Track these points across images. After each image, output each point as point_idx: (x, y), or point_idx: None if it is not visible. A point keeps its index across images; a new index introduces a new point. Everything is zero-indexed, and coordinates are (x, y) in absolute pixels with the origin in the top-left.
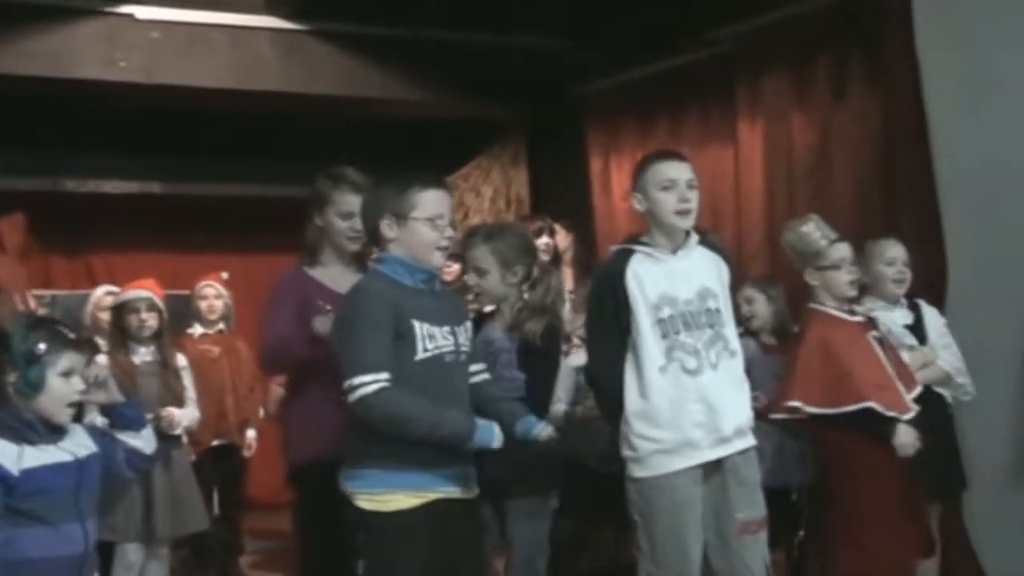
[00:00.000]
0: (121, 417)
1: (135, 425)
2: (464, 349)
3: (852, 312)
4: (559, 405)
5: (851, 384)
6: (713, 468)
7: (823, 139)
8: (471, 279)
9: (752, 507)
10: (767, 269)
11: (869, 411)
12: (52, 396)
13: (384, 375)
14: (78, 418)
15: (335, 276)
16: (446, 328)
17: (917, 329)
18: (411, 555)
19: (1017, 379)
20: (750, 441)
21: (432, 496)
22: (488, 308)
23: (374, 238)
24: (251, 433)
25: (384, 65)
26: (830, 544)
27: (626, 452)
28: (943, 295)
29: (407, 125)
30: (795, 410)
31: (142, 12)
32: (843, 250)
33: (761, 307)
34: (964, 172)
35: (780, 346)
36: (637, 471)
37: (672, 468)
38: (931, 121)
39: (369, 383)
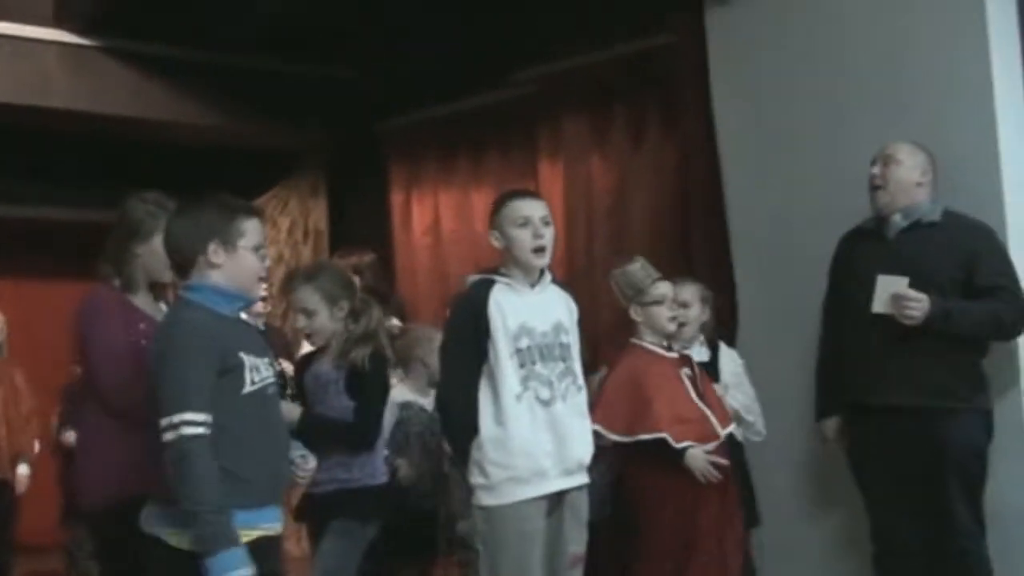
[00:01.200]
0: None
1: None
2: (275, 379)
3: (669, 348)
4: (403, 468)
5: (650, 414)
6: (555, 501)
7: (621, 182)
8: (300, 321)
9: (581, 541)
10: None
11: (663, 441)
12: None
13: (203, 416)
14: None
15: (148, 305)
16: (266, 359)
17: (711, 367)
18: None
19: (803, 417)
20: (586, 477)
21: (256, 534)
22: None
23: (187, 265)
24: (23, 469)
25: (181, 88)
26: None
27: (477, 479)
28: (734, 339)
29: (203, 151)
30: (598, 436)
31: None
32: (664, 288)
33: None
34: (754, 221)
35: None
36: (486, 499)
37: (523, 496)
38: (724, 171)
39: (188, 423)
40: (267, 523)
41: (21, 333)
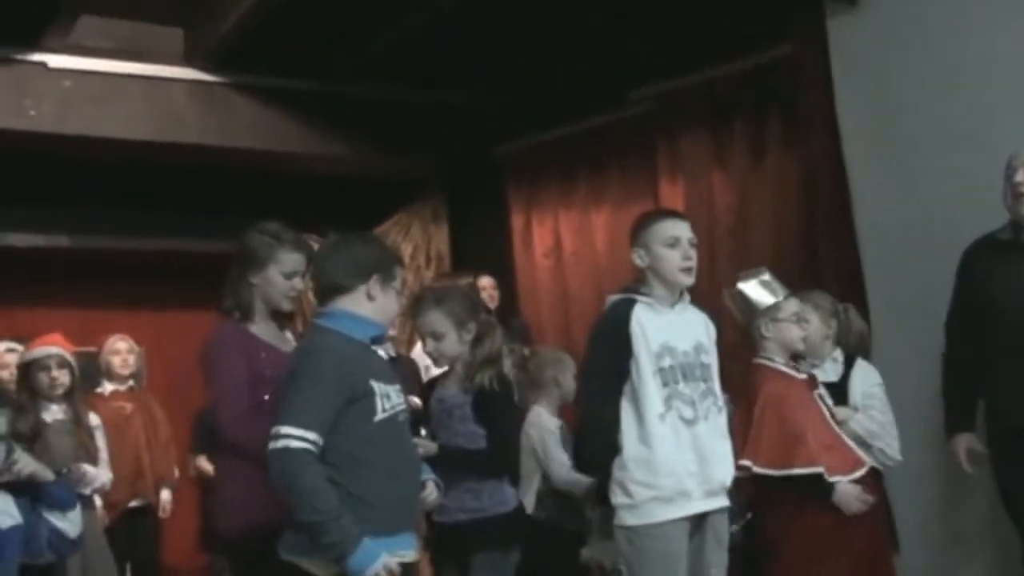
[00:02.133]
0: (49, 496)
1: (63, 505)
2: (406, 408)
3: (797, 369)
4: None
5: (804, 447)
6: (697, 523)
7: (743, 200)
8: (429, 345)
9: (722, 565)
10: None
11: (815, 473)
12: None
13: (313, 436)
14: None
15: (268, 333)
16: (396, 386)
17: (841, 387)
18: None
19: (942, 436)
20: (727, 500)
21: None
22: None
23: (338, 292)
24: (166, 494)
25: (304, 119)
26: None
27: (620, 499)
28: (868, 352)
29: (326, 180)
30: (746, 468)
31: (55, 61)
32: (795, 305)
33: None
34: (885, 234)
35: None
36: (630, 519)
37: (667, 517)
38: (852, 184)
39: (295, 438)
40: (401, 550)
41: (159, 362)
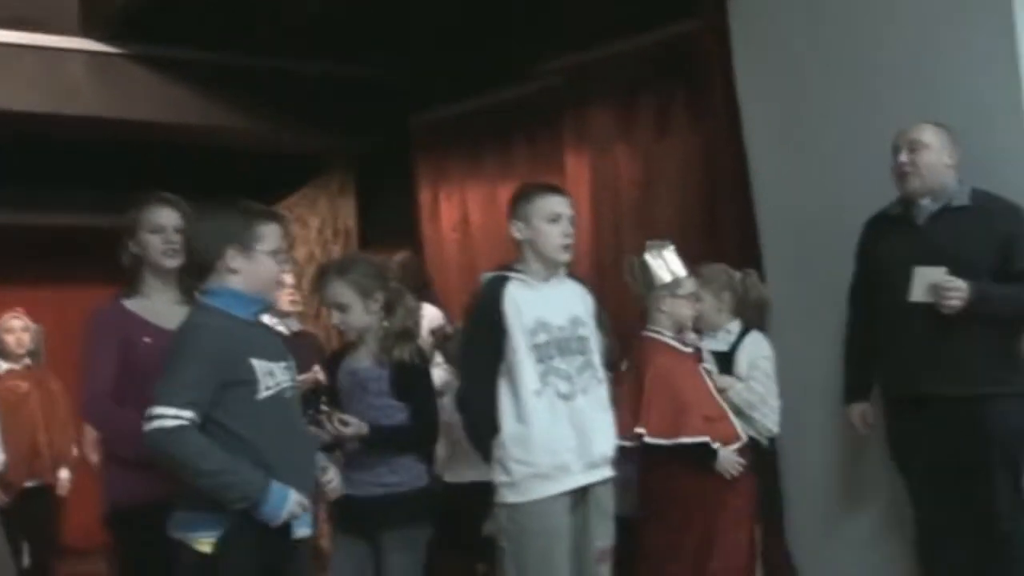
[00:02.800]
0: None
1: None
2: (295, 384)
3: (684, 343)
4: None
5: (690, 417)
6: (580, 496)
7: (648, 173)
8: (335, 317)
9: (607, 536)
10: (594, 299)
11: (701, 444)
12: None
13: (189, 414)
14: None
15: (159, 309)
16: (282, 363)
17: (730, 357)
18: None
19: (839, 403)
20: (611, 471)
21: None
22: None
23: (206, 269)
24: (64, 473)
25: (206, 91)
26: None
27: (500, 477)
28: (764, 320)
29: (231, 153)
30: (639, 437)
31: None
32: (693, 284)
33: None
34: (782, 209)
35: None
36: (510, 496)
37: (546, 493)
38: (750, 159)
39: (169, 417)
40: (296, 527)
41: (58, 339)
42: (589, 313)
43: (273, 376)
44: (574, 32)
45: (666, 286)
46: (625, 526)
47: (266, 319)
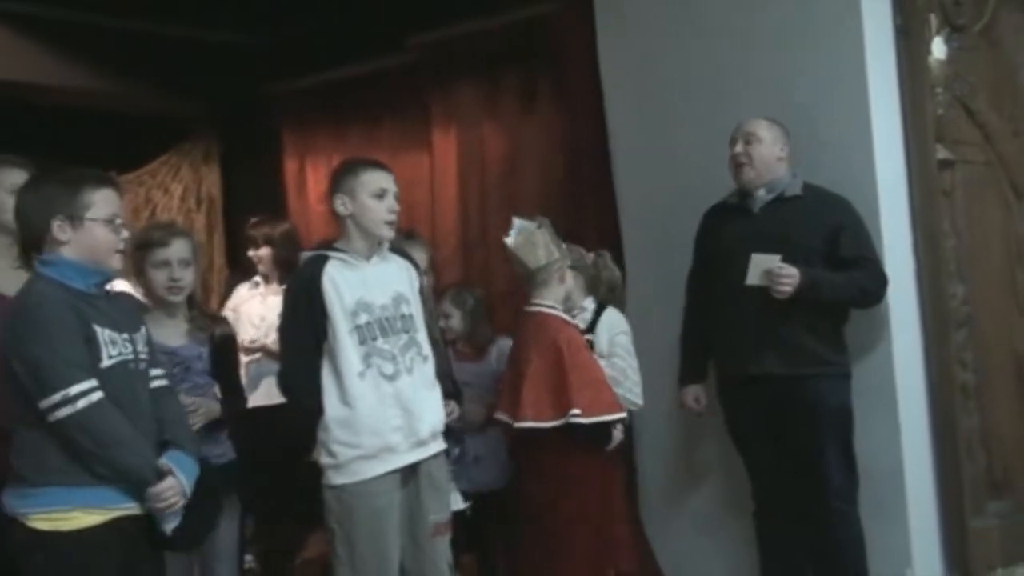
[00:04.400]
0: None
1: None
2: (143, 356)
3: (571, 313)
4: None
5: (609, 393)
6: (409, 472)
7: (513, 150)
8: (176, 272)
9: (442, 509)
10: (461, 274)
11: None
12: None
13: (95, 383)
14: None
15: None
16: (125, 335)
17: (589, 333)
18: (96, 573)
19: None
20: (442, 444)
21: (115, 513)
22: None
23: (36, 242)
24: None
25: (68, 51)
26: (533, 549)
27: (325, 459)
28: (623, 302)
29: (91, 117)
30: (576, 415)
31: None
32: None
33: (457, 321)
34: (639, 191)
35: (474, 352)
36: (336, 478)
37: (373, 473)
38: (612, 142)
39: (89, 391)
40: (125, 502)
41: None
42: (414, 290)
43: (116, 345)
44: (439, 7)
45: (550, 264)
46: (486, 500)
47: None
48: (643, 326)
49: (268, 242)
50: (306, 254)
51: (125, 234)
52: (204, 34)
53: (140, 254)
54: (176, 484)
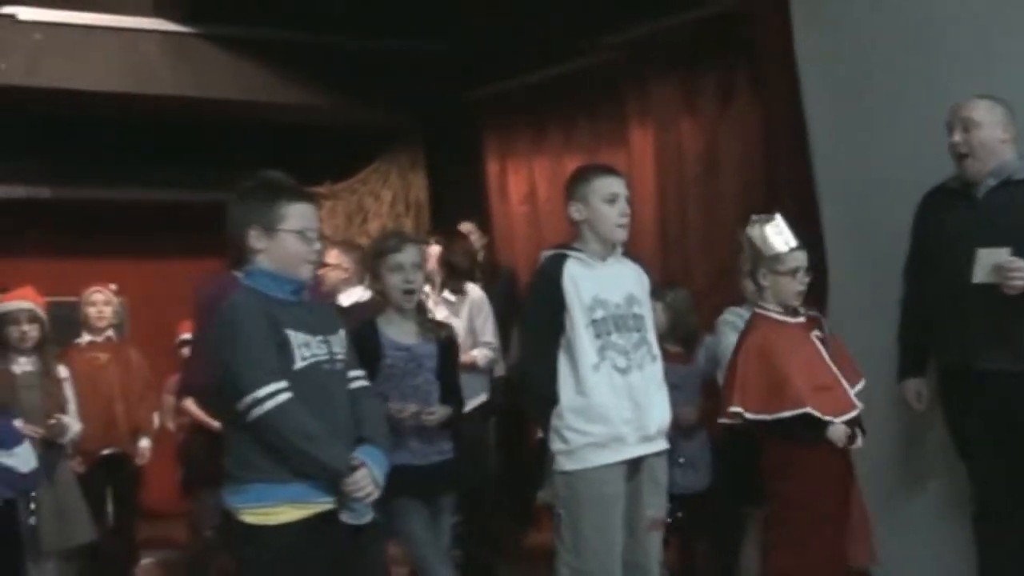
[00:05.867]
0: None
1: (4, 444)
2: (339, 358)
3: (796, 313)
4: None
5: (789, 390)
6: (634, 466)
7: (711, 146)
8: (409, 275)
9: (660, 506)
10: (660, 273)
11: (806, 415)
12: None
13: (285, 384)
14: None
15: None
16: (319, 337)
17: None
18: (301, 567)
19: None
20: (666, 443)
21: (317, 508)
22: None
23: (240, 252)
24: (144, 442)
25: (280, 70)
26: (770, 546)
27: (558, 445)
28: (823, 295)
29: (305, 130)
30: (736, 415)
31: (25, 13)
32: (800, 259)
33: (659, 316)
34: (841, 182)
35: (686, 354)
36: (567, 464)
37: (602, 461)
38: (810, 132)
39: (276, 393)
40: (326, 497)
41: (142, 311)
42: (645, 292)
43: (309, 348)
44: (635, 4)
45: (767, 260)
46: (687, 502)
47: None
48: (848, 323)
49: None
50: (546, 252)
51: (318, 246)
52: (404, 45)
53: (376, 261)
54: (368, 475)
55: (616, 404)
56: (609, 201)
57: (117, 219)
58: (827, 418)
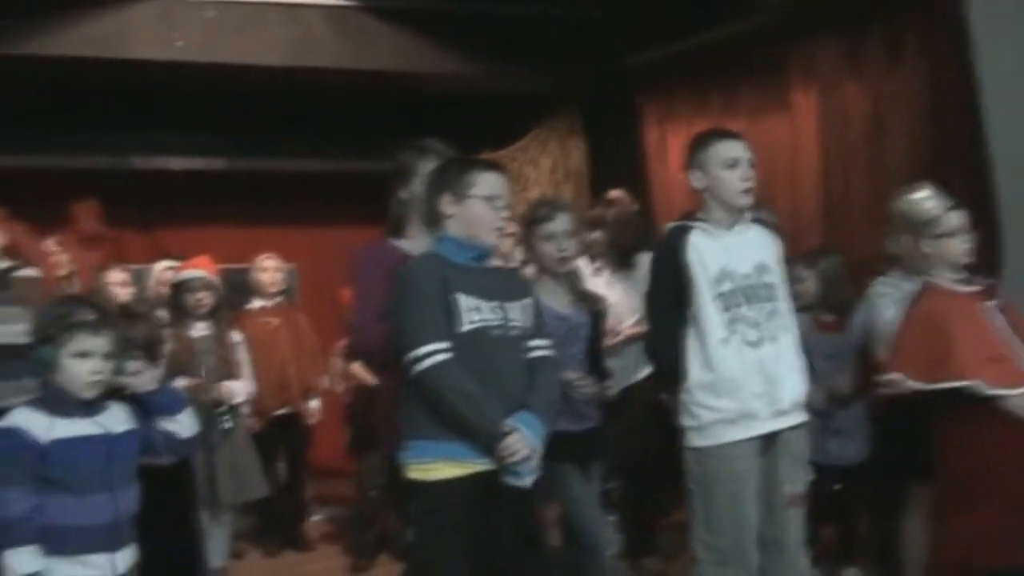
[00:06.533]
0: (152, 404)
1: (169, 410)
2: (515, 324)
3: (969, 281)
4: None
5: (955, 361)
6: (768, 441)
7: (877, 107)
8: (562, 242)
9: (798, 480)
10: (822, 238)
11: (971, 387)
12: (67, 375)
13: (446, 344)
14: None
15: (423, 248)
16: (494, 303)
17: None
18: (456, 524)
19: None
20: (803, 416)
21: (474, 468)
22: None
23: (432, 216)
24: (314, 403)
25: (437, 39)
26: (937, 517)
27: (687, 422)
28: (996, 262)
29: (463, 99)
30: (896, 383)
31: None
32: (959, 218)
33: (811, 285)
34: (1016, 141)
35: (839, 322)
36: (697, 440)
37: (732, 438)
38: (983, 91)
39: (435, 352)
40: (481, 459)
41: (310, 277)
42: (776, 260)
43: (479, 311)
44: None
45: (924, 227)
46: (845, 475)
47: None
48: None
49: (597, 224)
50: (669, 225)
51: (505, 214)
52: (562, 10)
53: (529, 230)
54: (520, 439)
55: (746, 379)
56: (729, 166)
57: (286, 189)
58: (998, 391)
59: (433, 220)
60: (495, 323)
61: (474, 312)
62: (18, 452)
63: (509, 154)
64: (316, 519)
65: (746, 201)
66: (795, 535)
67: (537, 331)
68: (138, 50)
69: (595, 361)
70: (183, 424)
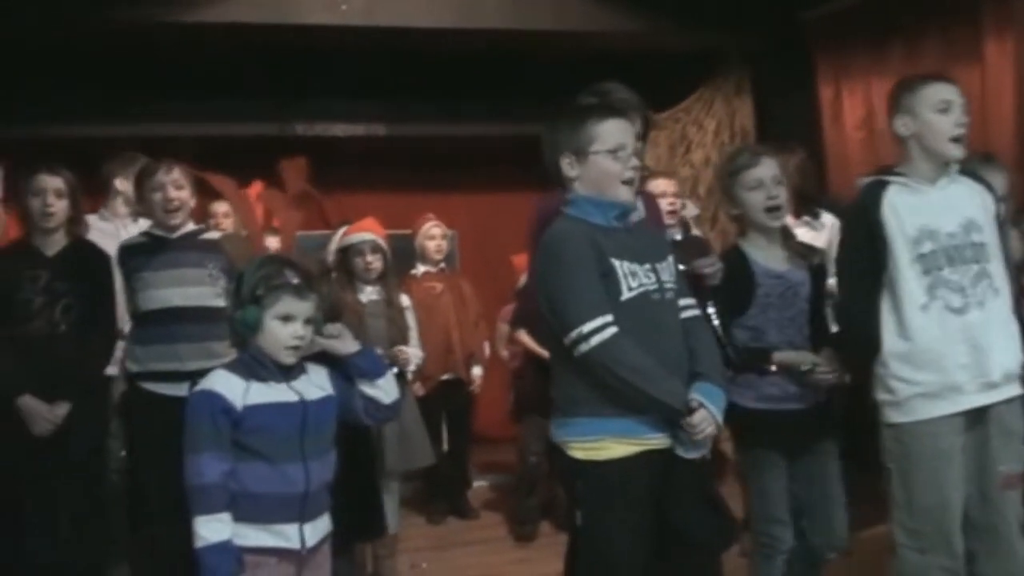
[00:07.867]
0: (356, 367)
1: (371, 374)
2: (669, 286)
3: None
4: None
5: None
6: (976, 416)
7: None
8: (773, 191)
9: (1014, 459)
10: (1020, 200)
11: None
12: (269, 338)
13: (611, 317)
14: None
15: None
16: (647, 265)
17: None
18: (627, 503)
19: None
20: (1017, 389)
21: (648, 445)
22: None
23: (557, 180)
24: (477, 370)
25: None
26: None
27: (883, 396)
28: None
29: (626, 58)
30: None
31: None
32: None
33: (1014, 245)
34: None
35: None
36: (895, 416)
37: (934, 414)
38: None
39: (602, 328)
40: (654, 435)
41: (470, 243)
42: (988, 215)
43: (636, 277)
44: None
45: None
46: None
47: None
48: None
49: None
50: (863, 180)
51: (634, 163)
52: None
53: (731, 180)
54: (707, 416)
55: (949, 349)
56: (941, 110)
57: (447, 154)
58: None
59: (557, 183)
60: (653, 287)
61: (631, 278)
62: (214, 417)
63: (673, 115)
64: (479, 485)
65: (957, 152)
66: (1013, 521)
67: (684, 290)
68: (305, 14)
69: (819, 326)
70: (384, 389)
